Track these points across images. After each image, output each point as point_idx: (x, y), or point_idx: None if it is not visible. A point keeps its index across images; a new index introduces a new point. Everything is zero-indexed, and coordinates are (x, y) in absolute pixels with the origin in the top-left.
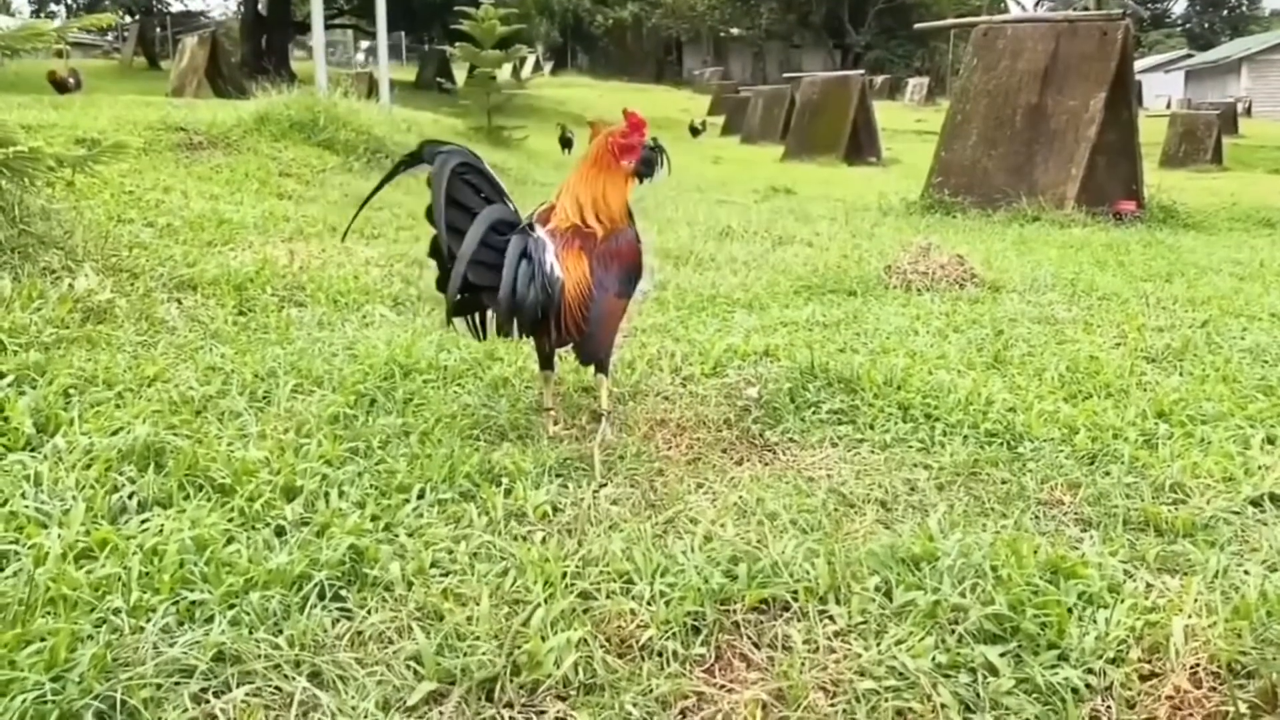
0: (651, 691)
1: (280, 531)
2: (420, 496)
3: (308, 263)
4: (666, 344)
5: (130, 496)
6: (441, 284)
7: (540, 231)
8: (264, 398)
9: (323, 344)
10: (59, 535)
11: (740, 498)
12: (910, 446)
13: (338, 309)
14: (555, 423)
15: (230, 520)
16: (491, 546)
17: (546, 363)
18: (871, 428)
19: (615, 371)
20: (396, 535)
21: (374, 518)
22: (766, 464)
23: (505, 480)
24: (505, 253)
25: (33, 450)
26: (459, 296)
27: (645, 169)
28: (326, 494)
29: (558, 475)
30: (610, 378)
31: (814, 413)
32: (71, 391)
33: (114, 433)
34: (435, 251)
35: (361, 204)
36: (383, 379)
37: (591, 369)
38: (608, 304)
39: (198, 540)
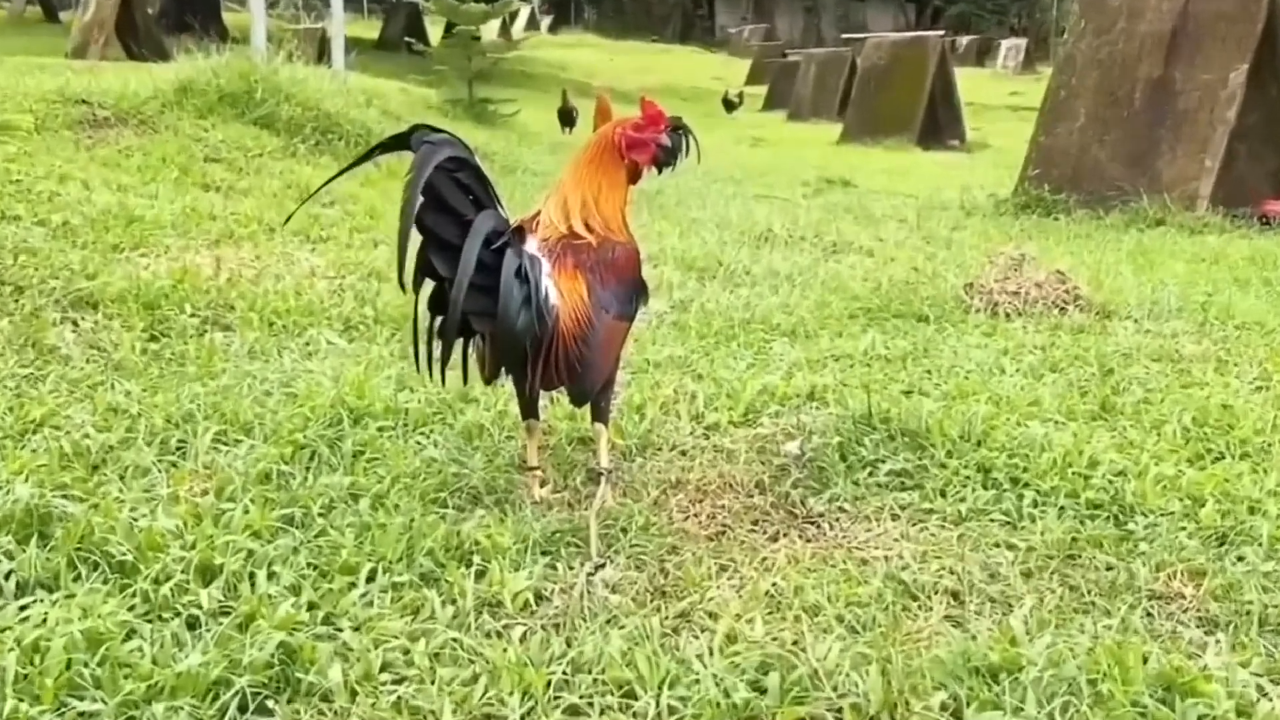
0: None
1: (193, 623)
2: (370, 579)
3: (238, 274)
4: (685, 383)
5: (7, 576)
6: (434, 307)
7: (531, 244)
8: (178, 449)
9: (254, 379)
10: None
11: (774, 585)
12: (991, 520)
13: (274, 334)
14: (542, 484)
15: (131, 609)
16: (457, 645)
17: (531, 410)
18: (943, 495)
19: (618, 417)
20: (339, 629)
21: (311, 606)
22: (809, 541)
23: (477, 559)
24: (500, 273)
25: None
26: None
27: (666, 155)
28: (253, 575)
29: (544, 553)
30: (611, 426)
31: (870, 475)
32: None
33: None
34: (427, 270)
35: (316, 189)
36: (327, 426)
37: (588, 415)
38: (607, 329)
39: (90, 634)
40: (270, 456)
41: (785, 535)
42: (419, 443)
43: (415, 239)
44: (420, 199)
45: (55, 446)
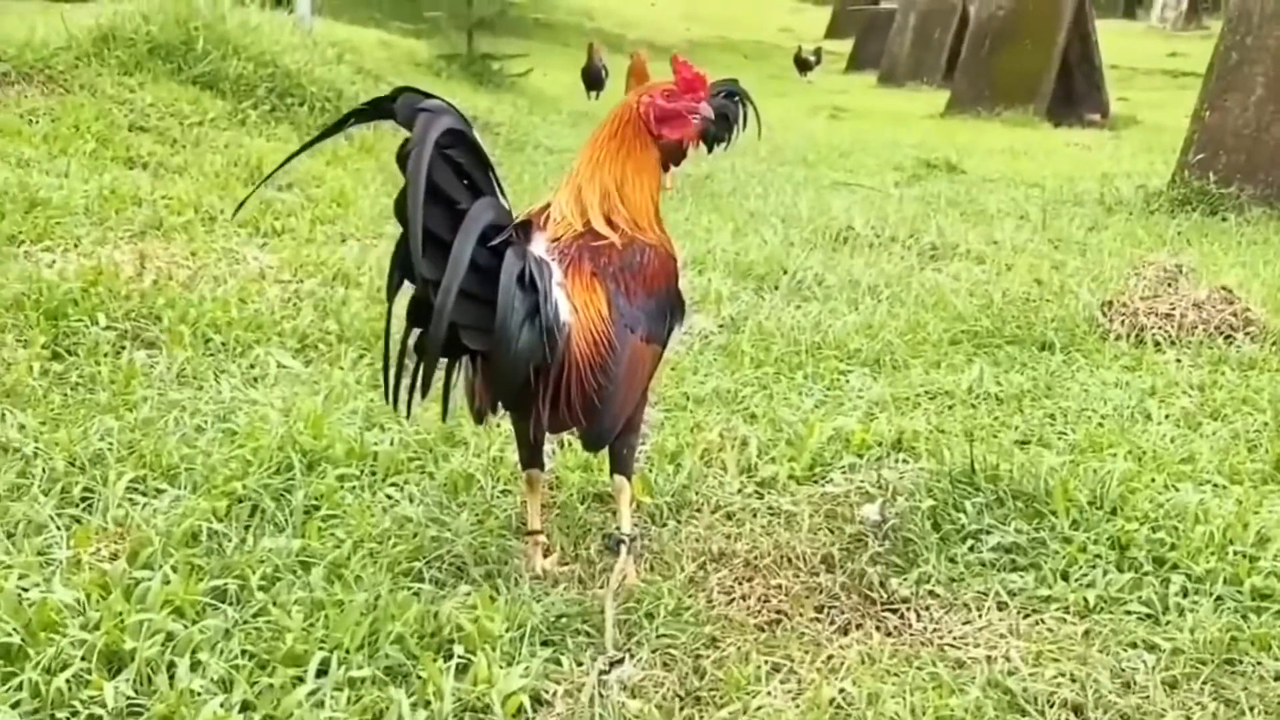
0: None
1: None
2: (322, 672)
3: (167, 275)
4: (734, 425)
5: None
6: (414, 317)
7: (539, 244)
8: (83, 500)
9: (182, 412)
10: None
11: (840, 692)
12: (1127, 612)
13: (209, 353)
14: (545, 554)
15: (15, 705)
16: None
17: (534, 458)
18: (1064, 578)
19: (646, 468)
20: None
21: (245, 706)
22: (888, 634)
23: (459, 649)
24: (499, 279)
25: None
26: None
27: (716, 128)
28: (172, 665)
29: (545, 643)
30: (636, 480)
31: (971, 550)
32: None
33: None
34: (405, 271)
35: (273, 170)
36: (273, 473)
37: (606, 463)
38: (632, 355)
39: None
40: (199, 511)
41: (858, 626)
42: (390, 496)
43: (394, 232)
44: (424, 185)
45: None
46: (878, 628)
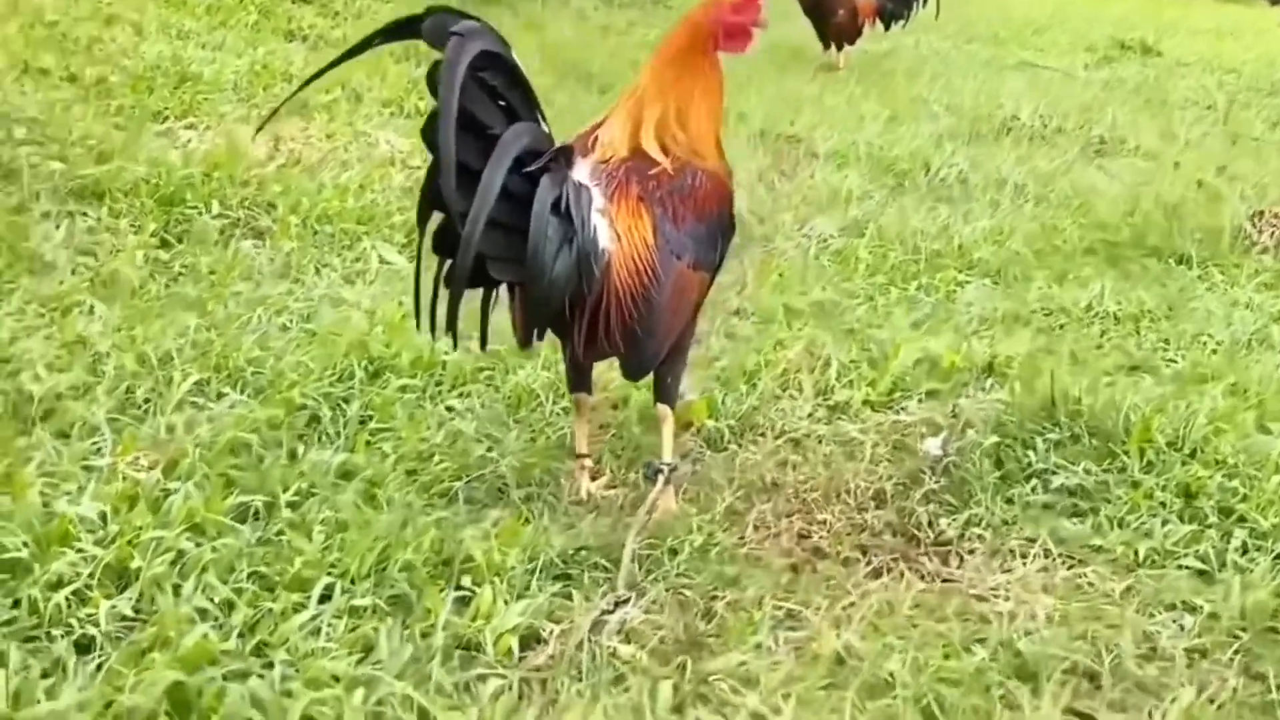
0: None
1: (84, 646)
2: (325, 598)
3: (296, 158)
4: (822, 342)
5: None
6: (440, 246)
7: (580, 167)
8: (143, 404)
9: (269, 309)
10: None
11: (844, 643)
12: (1180, 567)
13: (315, 244)
14: (593, 477)
15: (10, 623)
16: (405, 704)
17: (581, 381)
18: (1120, 525)
19: (717, 386)
20: (269, 664)
21: (245, 630)
22: (923, 578)
23: (468, 579)
24: (531, 205)
25: None
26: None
27: (895, 4)
28: (177, 586)
29: (558, 576)
30: (679, 406)
31: (1034, 490)
32: None
33: None
34: (433, 195)
35: (300, 85)
36: (339, 379)
37: (649, 391)
38: (678, 282)
39: None
40: (251, 420)
41: (892, 569)
42: (450, 409)
43: (424, 160)
44: (454, 112)
45: None
46: (913, 570)
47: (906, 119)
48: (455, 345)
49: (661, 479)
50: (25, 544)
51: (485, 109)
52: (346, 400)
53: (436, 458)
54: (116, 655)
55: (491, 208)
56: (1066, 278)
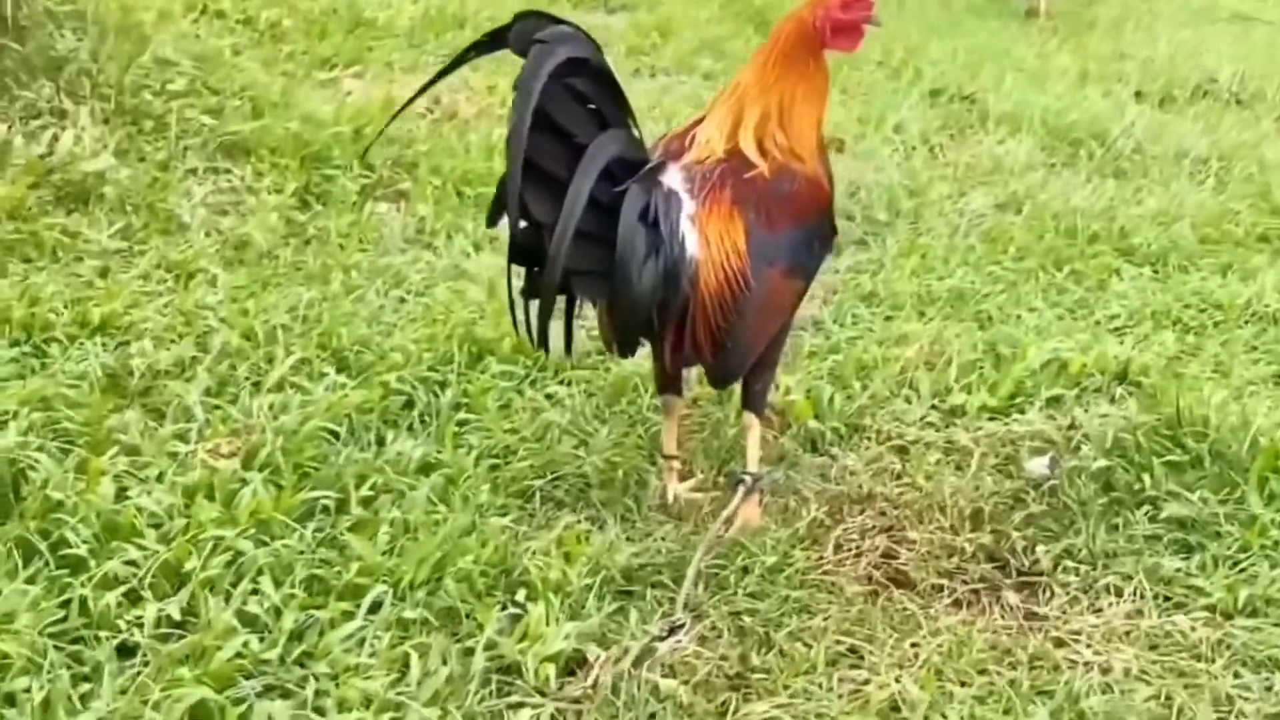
0: None
1: (127, 650)
2: (375, 609)
3: (453, 110)
4: (948, 337)
5: None
6: (518, 256)
7: (671, 173)
8: (244, 383)
9: (388, 281)
10: None
11: (899, 690)
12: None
13: (452, 208)
14: (683, 479)
15: (61, 622)
16: None
17: (669, 384)
18: (1231, 566)
19: (825, 385)
20: (306, 679)
21: (292, 637)
22: (1003, 615)
23: (525, 594)
24: (619, 216)
25: None
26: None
27: None
28: (229, 590)
29: (620, 594)
30: (768, 414)
31: (1143, 519)
32: None
33: None
34: (523, 210)
35: (403, 105)
36: (441, 362)
37: (737, 397)
38: (770, 289)
39: None
40: (343, 406)
41: (975, 603)
42: (549, 397)
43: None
44: (530, 121)
45: (88, 368)
46: (996, 604)
47: (1096, 78)
48: (548, 352)
49: (742, 489)
50: (89, 539)
51: (572, 116)
52: (443, 385)
53: (521, 452)
54: (153, 664)
55: (578, 220)
56: (1230, 269)
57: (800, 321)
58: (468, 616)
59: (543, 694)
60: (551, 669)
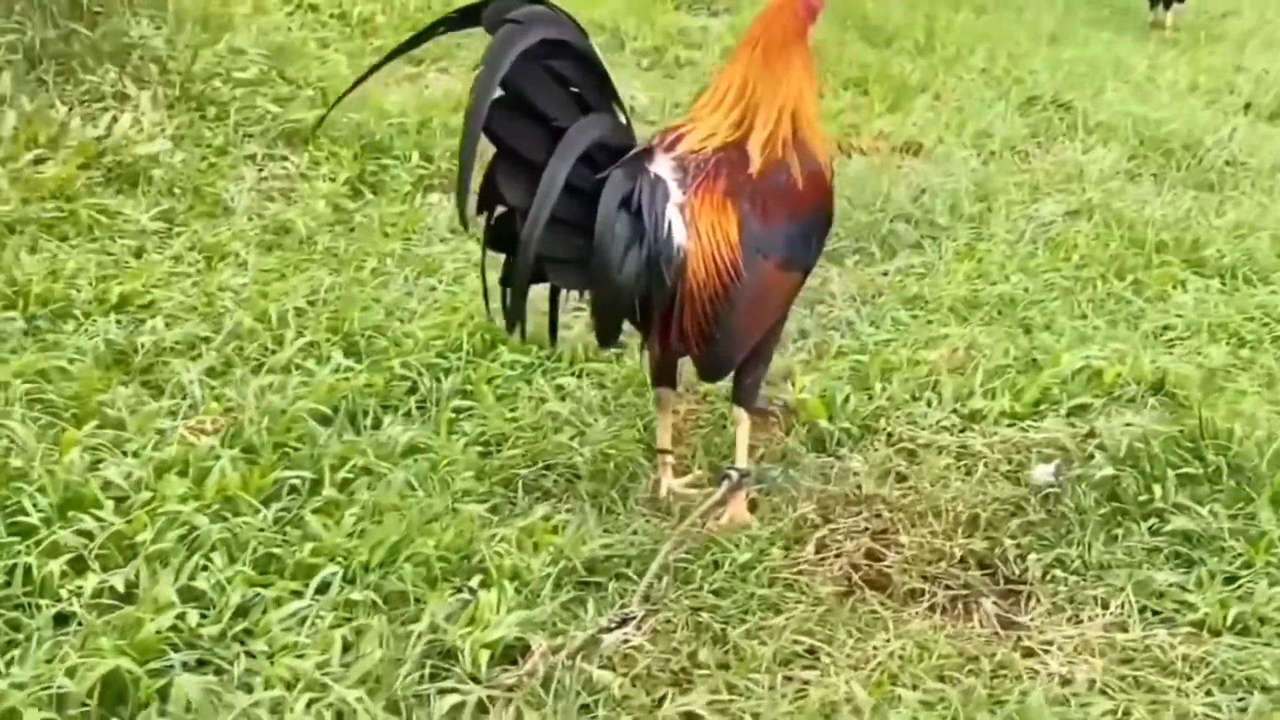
0: None
1: (66, 619)
2: (323, 590)
3: None
4: (982, 343)
5: None
6: (496, 243)
7: (660, 161)
8: (251, 362)
9: (419, 271)
10: None
11: (846, 692)
12: (1271, 641)
13: None
14: (678, 474)
15: (4, 585)
16: (350, 715)
17: (662, 376)
18: (1227, 582)
19: (844, 385)
20: (239, 656)
21: (236, 614)
22: (975, 624)
23: (478, 581)
24: (597, 202)
25: None
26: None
27: None
28: (184, 562)
29: (582, 583)
30: (775, 410)
31: (1145, 533)
32: None
33: None
34: (496, 194)
35: (349, 89)
36: (450, 348)
37: (727, 389)
38: (763, 281)
39: None
40: (343, 388)
41: (951, 609)
42: (558, 388)
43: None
44: (490, 101)
45: (96, 343)
46: (971, 614)
47: (1204, 90)
48: (524, 338)
49: (727, 484)
50: (45, 508)
51: (551, 99)
52: (448, 372)
53: (514, 441)
54: (81, 633)
55: (553, 205)
56: None
57: (833, 321)
58: (416, 601)
59: (475, 680)
60: (486, 655)
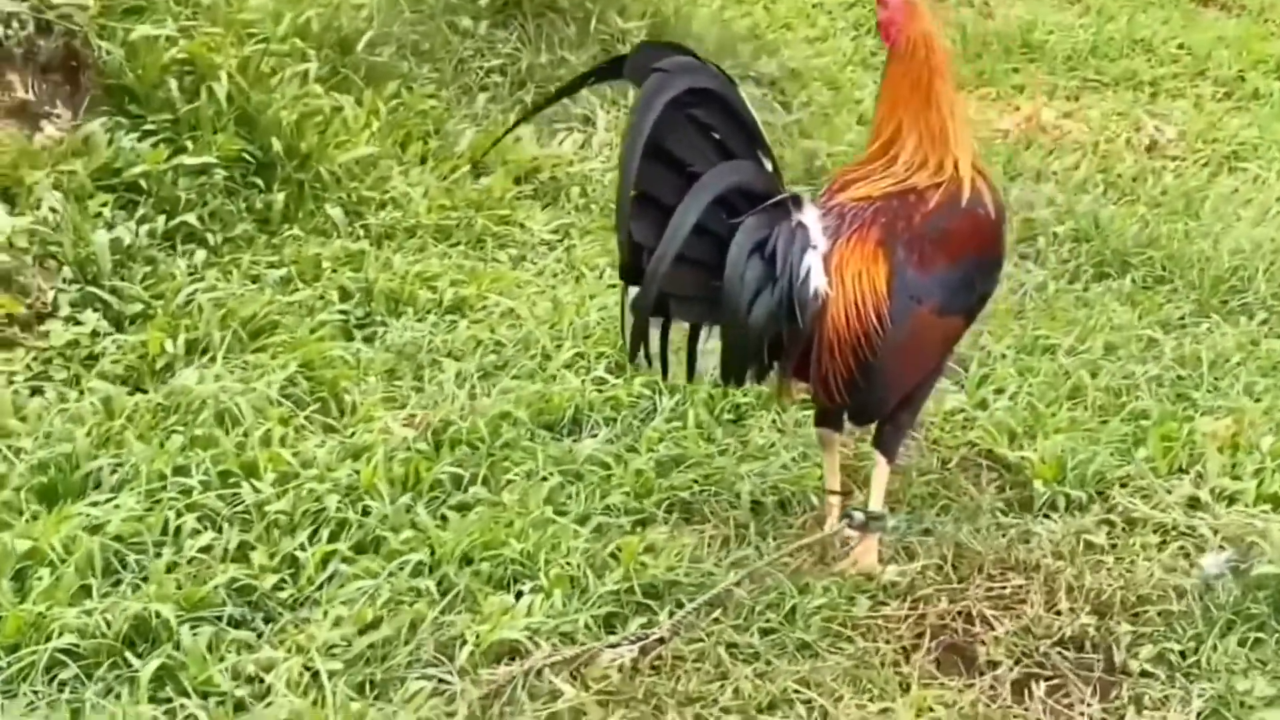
0: None
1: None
2: (395, 572)
3: None
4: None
5: None
6: (626, 275)
7: (808, 209)
8: (514, 368)
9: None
10: None
11: None
12: None
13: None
14: (844, 516)
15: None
16: (342, 680)
17: (824, 418)
18: None
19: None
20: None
21: (310, 581)
22: (1021, 708)
23: (531, 586)
24: (730, 246)
25: None
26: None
27: None
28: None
29: (636, 603)
30: (904, 459)
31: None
32: None
33: None
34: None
35: (509, 127)
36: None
37: (875, 438)
38: (916, 328)
39: None
40: (577, 400)
41: (1012, 689)
42: (773, 421)
43: None
44: (641, 151)
45: (391, 340)
46: (1025, 695)
47: None
48: (650, 366)
49: (845, 523)
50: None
51: (688, 146)
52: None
53: (691, 462)
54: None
55: (686, 245)
56: None
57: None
58: (466, 595)
59: (463, 677)
60: (507, 648)
